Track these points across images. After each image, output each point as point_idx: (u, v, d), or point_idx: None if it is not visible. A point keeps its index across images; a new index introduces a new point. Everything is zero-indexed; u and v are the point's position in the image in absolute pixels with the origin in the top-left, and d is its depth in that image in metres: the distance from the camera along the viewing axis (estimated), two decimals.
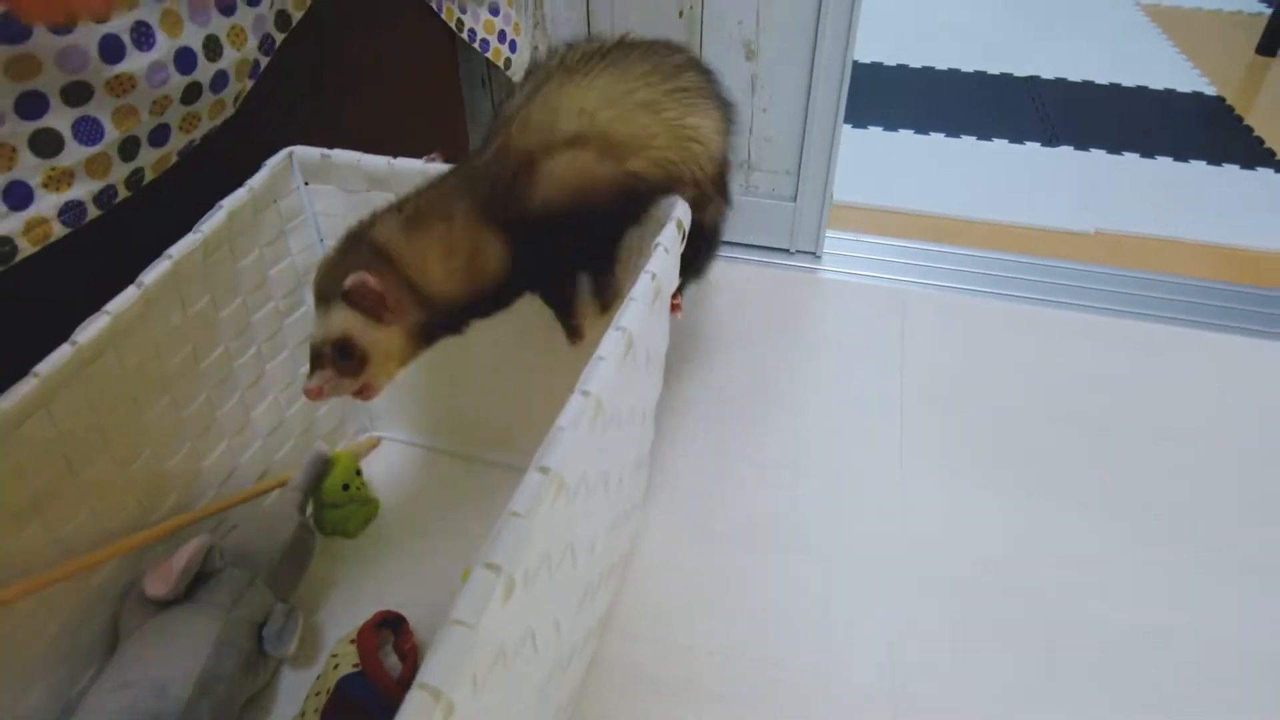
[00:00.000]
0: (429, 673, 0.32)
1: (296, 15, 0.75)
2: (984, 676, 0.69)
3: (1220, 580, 0.77)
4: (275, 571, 0.65)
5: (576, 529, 0.48)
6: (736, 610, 0.73)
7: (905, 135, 1.55)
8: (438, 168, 0.67)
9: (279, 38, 0.74)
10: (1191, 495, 0.86)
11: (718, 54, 1.06)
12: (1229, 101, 1.77)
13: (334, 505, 0.75)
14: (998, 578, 0.76)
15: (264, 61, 0.72)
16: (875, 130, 1.57)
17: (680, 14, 1.05)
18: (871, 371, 1.00)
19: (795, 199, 1.15)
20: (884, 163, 1.47)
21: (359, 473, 0.77)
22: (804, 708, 0.65)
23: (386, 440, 0.86)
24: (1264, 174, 1.49)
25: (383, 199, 0.72)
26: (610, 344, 0.49)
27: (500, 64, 1.10)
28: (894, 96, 1.72)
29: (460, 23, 1.02)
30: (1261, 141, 1.60)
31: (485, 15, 1.05)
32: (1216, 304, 1.17)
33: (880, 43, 1.99)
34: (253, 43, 0.68)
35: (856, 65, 1.87)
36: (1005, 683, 0.68)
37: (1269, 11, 2.09)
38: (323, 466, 0.73)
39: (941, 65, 1.88)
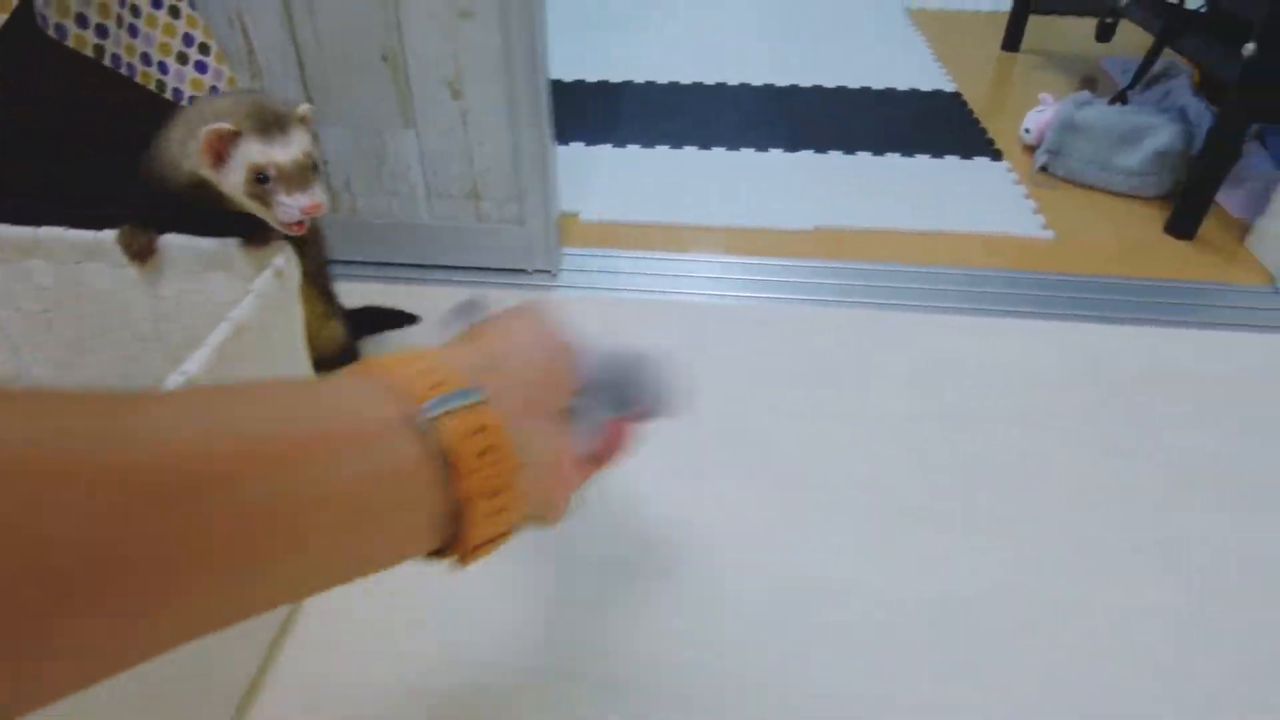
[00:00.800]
0: None
1: None
2: (653, 649, 0.77)
3: (926, 541, 0.88)
4: None
5: None
6: (426, 614, 0.79)
7: (661, 151, 1.66)
8: None
9: None
10: (890, 468, 0.97)
11: (427, 96, 1.13)
12: (965, 97, 1.95)
13: None
14: (698, 555, 0.85)
15: None
16: (634, 149, 1.67)
17: (384, 58, 1.11)
18: None
19: (522, 223, 1.23)
20: (637, 179, 1.57)
21: None
22: (493, 699, 0.72)
23: None
24: (980, 162, 1.65)
25: (37, 265, 0.76)
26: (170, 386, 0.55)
27: None
28: (659, 115, 1.83)
29: (161, 84, 1.06)
30: (985, 133, 1.78)
31: (192, 74, 1.09)
32: (914, 287, 1.30)
33: (655, 63, 2.10)
34: None
35: (627, 86, 1.98)
36: (671, 658, 0.77)
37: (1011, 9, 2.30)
38: None
39: (710, 81, 2.00)
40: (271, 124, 0.68)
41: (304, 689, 0.72)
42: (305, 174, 0.68)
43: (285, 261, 0.67)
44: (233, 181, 0.68)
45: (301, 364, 0.74)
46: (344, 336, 0.90)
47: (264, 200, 0.68)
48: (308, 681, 0.73)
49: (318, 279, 0.85)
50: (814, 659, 0.75)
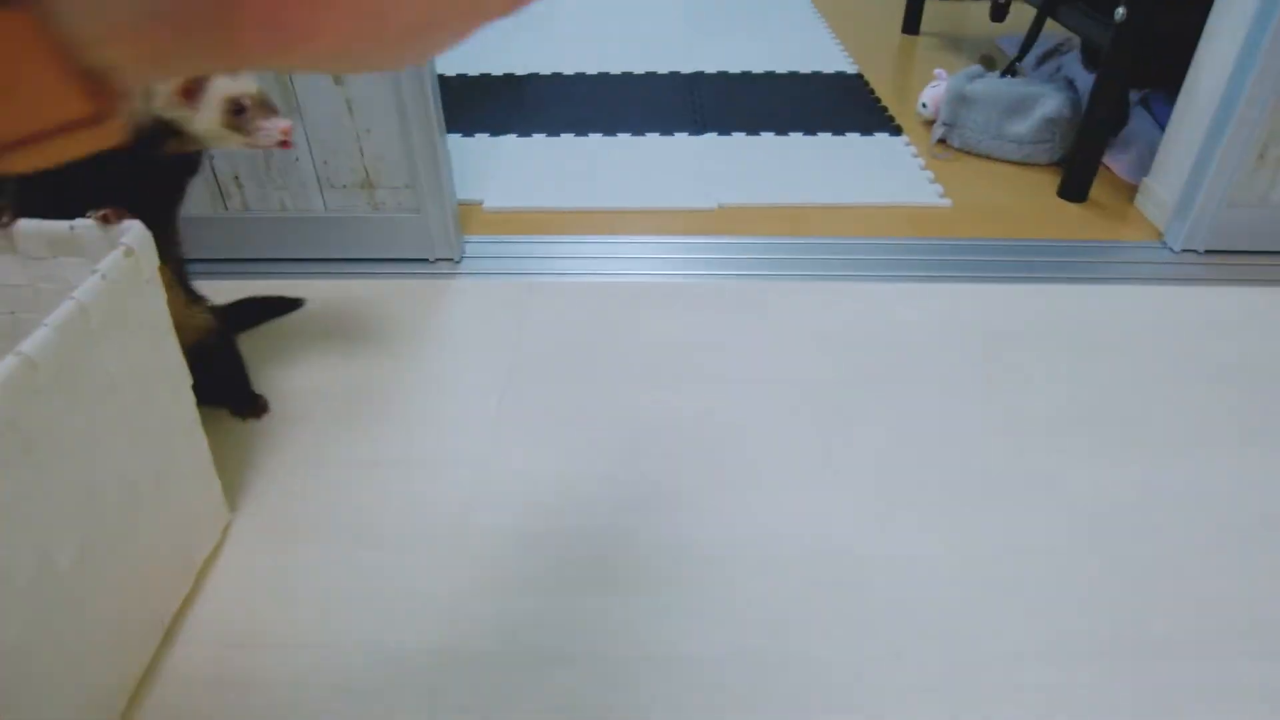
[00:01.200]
0: None
1: None
2: (548, 621, 0.76)
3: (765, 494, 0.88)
4: None
5: None
6: (318, 603, 0.77)
7: (566, 139, 1.65)
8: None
9: None
10: (799, 428, 0.97)
11: (304, 82, 1.10)
12: (867, 78, 1.98)
13: None
14: (573, 522, 0.84)
15: None
16: (539, 138, 1.66)
17: None
18: (484, 361, 1.07)
19: (419, 210, 1.21)
20: (541, 168, 1.56)
21: None
22: (374, 686, 0.70)
23: None
24: (880, 138, 1.68)
25: None
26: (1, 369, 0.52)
27: None
28: (565, 105, 1.82)
29: None
30: (885, 110, 1.81)
31: None
32: (815, 258, 1.32)
33: (565, 55, 2.10)
34: None
35: (533, 78, 1.97)
36: (564, 625, 0.76)
37: None
38: None
39: (616, 71, 2.00)
40: None
41: (193, 686, 0.70)
42: (270, 100, 0.76)
43: (136, 240, 0.65)
44: (207, 117, 0.73)
45: (170, 351, 0.71)
46: (210, 323, 0.88)
47: (242, 129, 0.74)
48: (197, 678, 0.70)
49: (177, 267, 0.83)
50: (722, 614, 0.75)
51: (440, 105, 1.15)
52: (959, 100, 1.64)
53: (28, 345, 0.54)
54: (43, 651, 0.57)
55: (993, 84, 1.65)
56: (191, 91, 0.72)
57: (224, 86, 0.73)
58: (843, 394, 1.02)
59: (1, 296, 0.72)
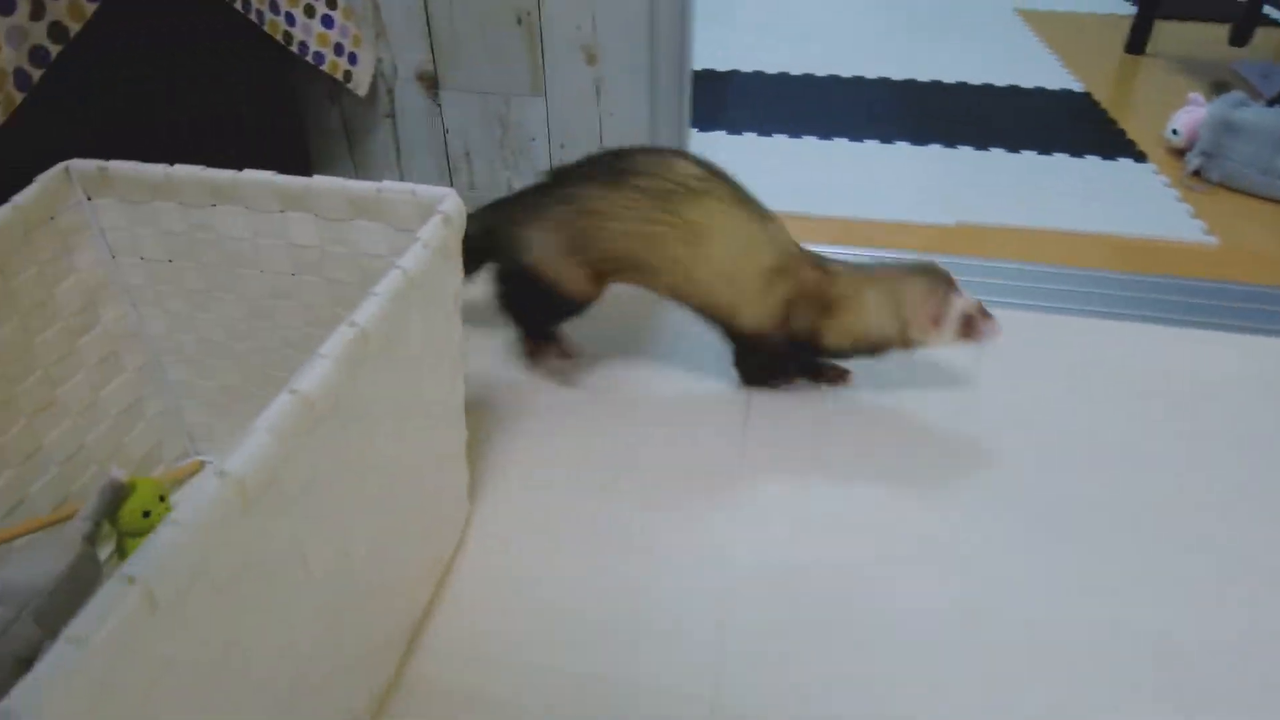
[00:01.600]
0: (16, 697, 0.29)
1: (74, 27, 0.72)
2: (811, 674, 0.67)
3: (1045, 554, 0.77)
4: (46, 605, 0.61)
5: (293, 537, 0.45)
6: (565, 621, 0.70)
7: (779, 140, 1.57)
8: None
9: (54, 49, 0.71)
10: (1034, 474, 0.86)
11: (558, 60, 1.05)
12: (1095, 97, 1.82)
13: (134, 533, 0.71)
14: (826, 565, 0.75)
15: (36, 73, 0.69)
16: (749, 136, 1.58)
17: (519, 20, 1.04)
18: (717, 363, 0.99)
19: None
20: (757, 167, 1.47)
21: (164, 498, 0.73)
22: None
23: (211, 464, 0.82)
24: (1124, 163, 1.53)
25: (166, 208, 0.69)
26: (335, 341, 0.46)
27: (339, 76, 1.08)
28: (772, 103, 1.74)
29: (288, 35, 1.00)
30: (1124, 133, 1.65)
31: (318, 28, 1.03)
32: (1069, 289, 1.19)
33: (762, 53, 2.02)
34: (10, 53, 0.65)
35: (735, 75, 1.89)
36: (836, 665, 0.67)
37: (1134, 12, 2.16)
38: (117, 493, 0.69)
39: (821, 73, 1.90)
40: (948, 276, 0.86)
41: (436, 702, 0.64)
42: (982, 305, 0.86)
43: (454, 209, 0.59)
44: (948, 332, 0.85)
45: (456, 331, 0.66)
46: None
47: (970, 335, 0.85)
48: (441, 694, 0.65)
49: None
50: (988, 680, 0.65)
51: (691, 94, 1.08)
52: (1224, 128, 1.46)
53: (361, 316, 0.49)
54: (326, 651, 0.52)
55: (1264, 113, 1.47)
56: (940, 319, 0.84)
57: (958, 306, 0.84)
58: (1107, 440, 0.90)
59: (288, 255, 0.68)
